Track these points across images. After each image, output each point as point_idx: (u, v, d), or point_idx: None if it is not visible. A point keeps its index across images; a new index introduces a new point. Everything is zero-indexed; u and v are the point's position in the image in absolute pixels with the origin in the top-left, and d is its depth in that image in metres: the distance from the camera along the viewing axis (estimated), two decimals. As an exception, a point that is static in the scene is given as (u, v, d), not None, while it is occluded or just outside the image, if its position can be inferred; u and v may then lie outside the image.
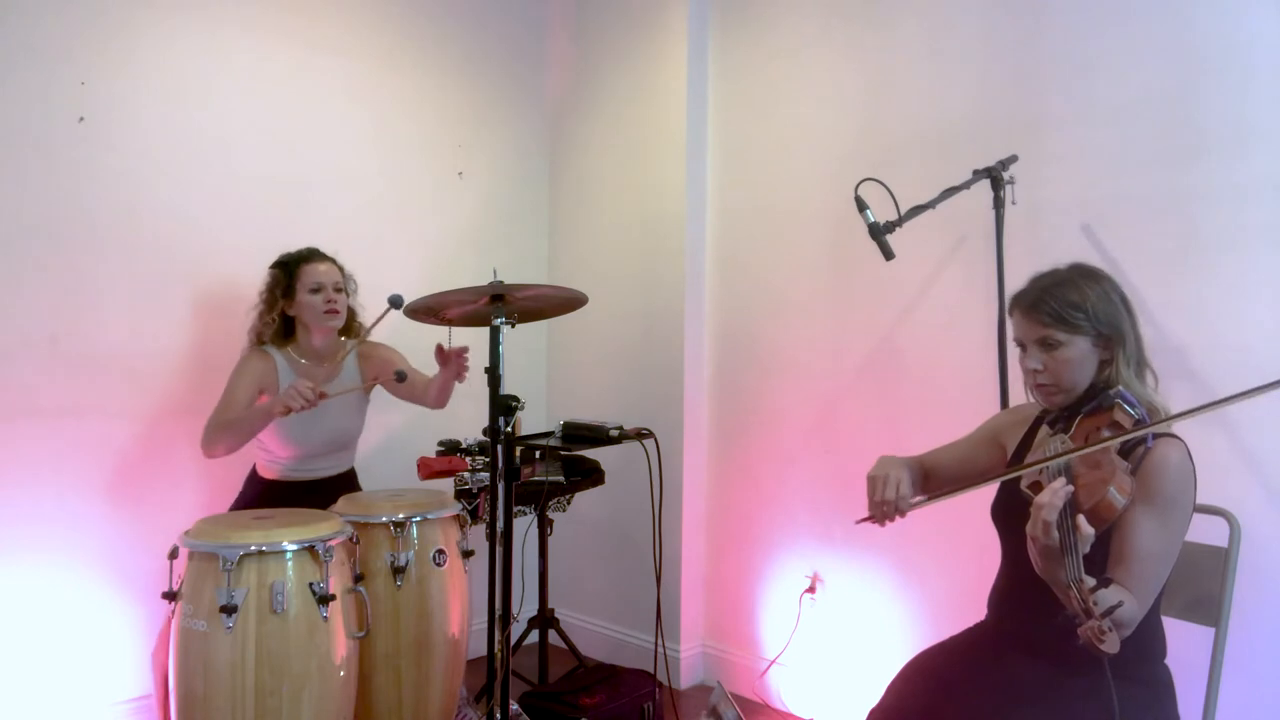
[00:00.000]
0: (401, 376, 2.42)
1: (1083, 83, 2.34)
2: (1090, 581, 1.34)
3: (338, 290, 2.58)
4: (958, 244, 2.57)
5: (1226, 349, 2.12)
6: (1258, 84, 2.08)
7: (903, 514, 1.68)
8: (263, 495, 2.59)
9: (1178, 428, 1.60)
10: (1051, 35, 2.40)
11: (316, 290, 2.54)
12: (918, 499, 1.70)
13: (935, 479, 1.86)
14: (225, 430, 2.40)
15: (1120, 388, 1.57)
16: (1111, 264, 2.23)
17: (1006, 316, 1.77)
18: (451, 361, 2.48)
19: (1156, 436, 1.54)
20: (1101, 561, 1.52)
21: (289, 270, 2.56)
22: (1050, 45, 2.40)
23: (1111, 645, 1.29)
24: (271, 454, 2.60)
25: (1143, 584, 1.49)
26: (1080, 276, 1.65)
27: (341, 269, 2.64)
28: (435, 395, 2.59)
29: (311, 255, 2.60)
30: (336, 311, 2.57)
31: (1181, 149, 2.19)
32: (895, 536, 2.69)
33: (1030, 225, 2.37)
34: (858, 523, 1.74)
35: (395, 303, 2.28)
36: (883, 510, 1.69)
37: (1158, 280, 2.19)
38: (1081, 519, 1.39)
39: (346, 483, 2.73)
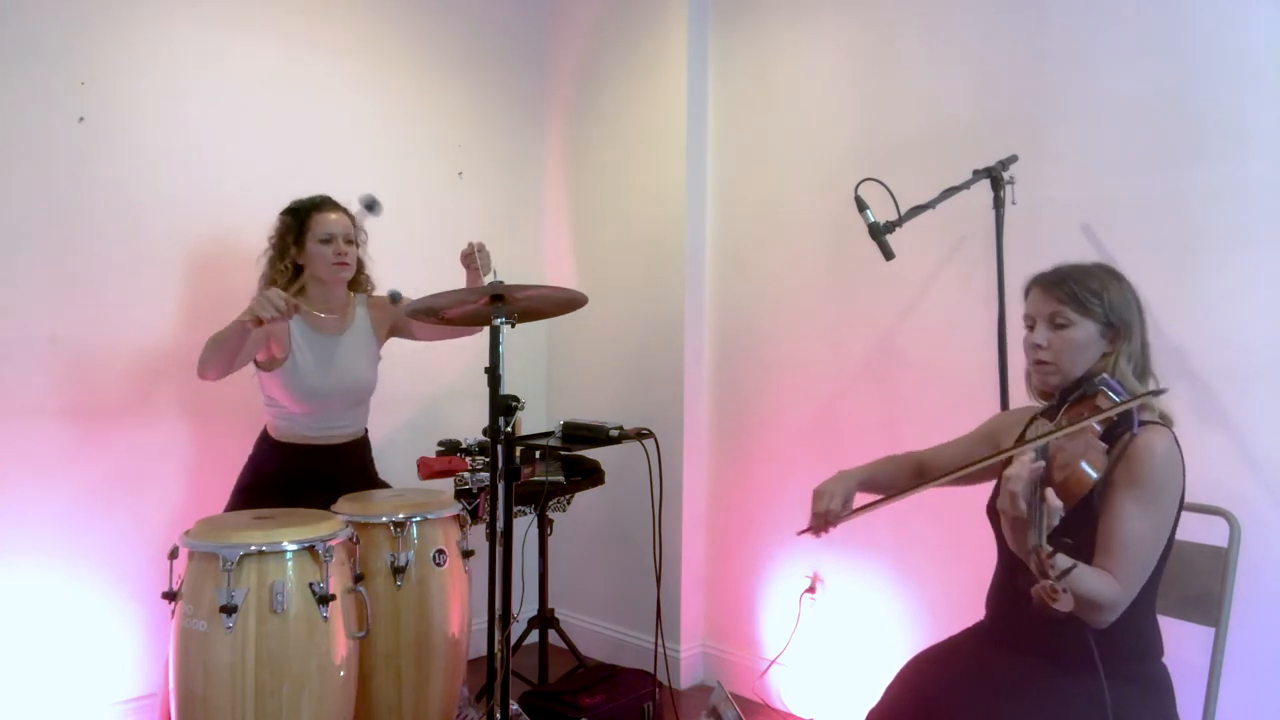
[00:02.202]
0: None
1: (1083, 82, 2.34)
2: (1049, 549, 1.38)
3: (348, 242, 2.52)
4: (958, 244, 2.57)
5: (1226, 349, 2.12)
6: (1257, 84, 2.08)
7: (834, 524, 1.78)
8: (274, 459, 2.54)
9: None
10: (1051, 35, 2.40)
11: (327, 241, 2.49)
12: (847, 512, 1.78)
13: (932, 476, 1.86)
14: (213, 350, 2.28)
15: (1105, 375, 1.60)
16: (1111, 264, 2.22)
17: (1012, 304, 1.80)
18: (471, 261, 2.45)
19: (1142, 423, 1.56)
20: (1089, 548, 1.54)
21: (300, 218, 2.51)
22: (1050, 45, 2.40)
23: (1064, 605, 1.34)
24: (283, 409, 2.53)
25: (1127, 568, 1.50)
26: (1104, 271, 1.70)
27: (353, 219, 2.58)
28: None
29: (324, 204, 2.53)
30: (346, 264, 2.52)
31: (1181, 149, 2.19)
32: (895, 536, 2.69)
33: (1030, 225, 2.37)
34: (799, 534, 1.85)
35: (368, 204, 2.28)
36: (817, 521, 1.79)
37: (1157, 280, 2.18)
38: (1050, 492, 1.43)
39: (359, 448, 2.68)
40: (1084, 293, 1.64)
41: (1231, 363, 2.11)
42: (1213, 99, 2.14)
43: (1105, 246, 2.28)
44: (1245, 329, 2.09)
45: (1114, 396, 1.54)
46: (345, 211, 2.56)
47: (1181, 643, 1.73)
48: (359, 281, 2.64)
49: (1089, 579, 1.45)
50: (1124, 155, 2.28)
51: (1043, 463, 1.49)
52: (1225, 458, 2.10)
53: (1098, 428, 1.53)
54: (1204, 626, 1.78)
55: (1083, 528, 1.56)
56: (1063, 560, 1.36)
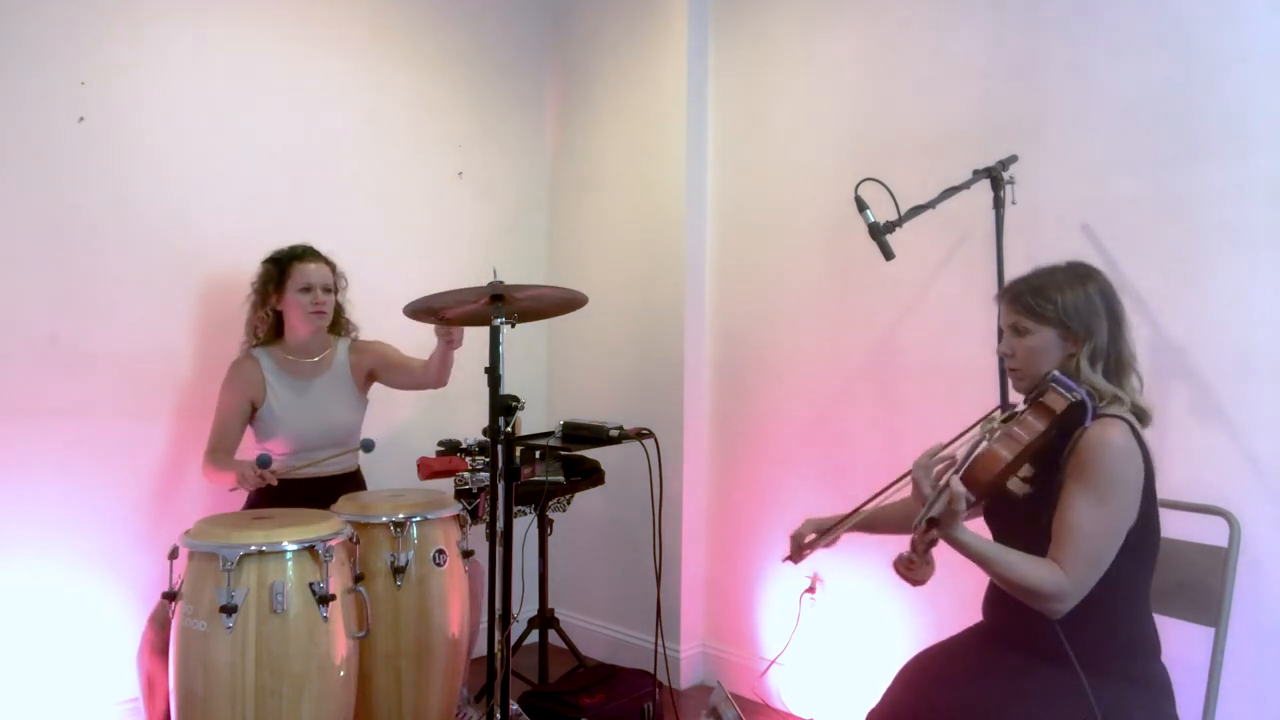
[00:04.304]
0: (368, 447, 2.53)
1: (1083, 83, 2.35)
2: (924, 526, 1.49)
3: (326, 291, 2.63)
4: (958, 244, 2.57)
5: (1226, 349, 2.12)
6: (1257, 84, 2.08)
7: (805, 552, 1.89)
8: (267, 496, 2.57)
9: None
10: (1051, 35, 2.40)
11: (305, 290, 2.60)
12: (815, 539, 1.88)
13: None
14: (210, 468, 2.53)
15: (1055, 371, 1.61)
16: (1111, 264, 2.23)
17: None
18: (443, 334, 2.50)
19: (1096, 416, 1.58)
20: (1044, 544, 1.57)
21: (281, 267, 2.62)
22: (1050, 45, 2.40)
23: (921, 575, 1.50)
24: (270, 452, 2.60)
25: (1075, 559, 1.52)
26: (1066, 273, 1.70)
27: (333, 267, 2.68)
28: (435, 372, 2.62)
29: (305, 254, 2.64)
30: (322, 313, 2.63)
31: (1181, 149, 2.19)
32: (895, 537, 2.68)
33: (1030, 225, 2.37)
34: (783, 560, 1.96)
35: (366, 447, 2.49)
36: (790, 545, 1.92)
37: (1157, 280, 2.19)
38: (955, 478, 1.49)
39: (352, 484, 2.73)
40: (1038, 301, 1.67)
41: (1231, 362, 2.11)
42: (1212, 99, 2.14)
43: (1105, 246, 2.28)
44: (1245, 328, 2.09)
45: (1064, 393, 1.57)
46: (325, 260, 2.66)
47: (1181, 643, 1.73)
48: (339, 324, 2.74)
49: (1020, 566, 1.52)
50: (1124, 155, 2.28)
51: (949, 451, 1.59)
52: (1225, 457, 2.10)
53: (1038, 423, 1.56)
54: (1204, 626, 1.78)
55: (1027, 523, 1.62)
56: (930, 537, 1.48)
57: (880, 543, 2.70)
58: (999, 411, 1.75)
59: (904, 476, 1.71)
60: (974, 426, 1.65)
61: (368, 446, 2.50)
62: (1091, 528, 1.53)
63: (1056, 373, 1.60)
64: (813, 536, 1.87)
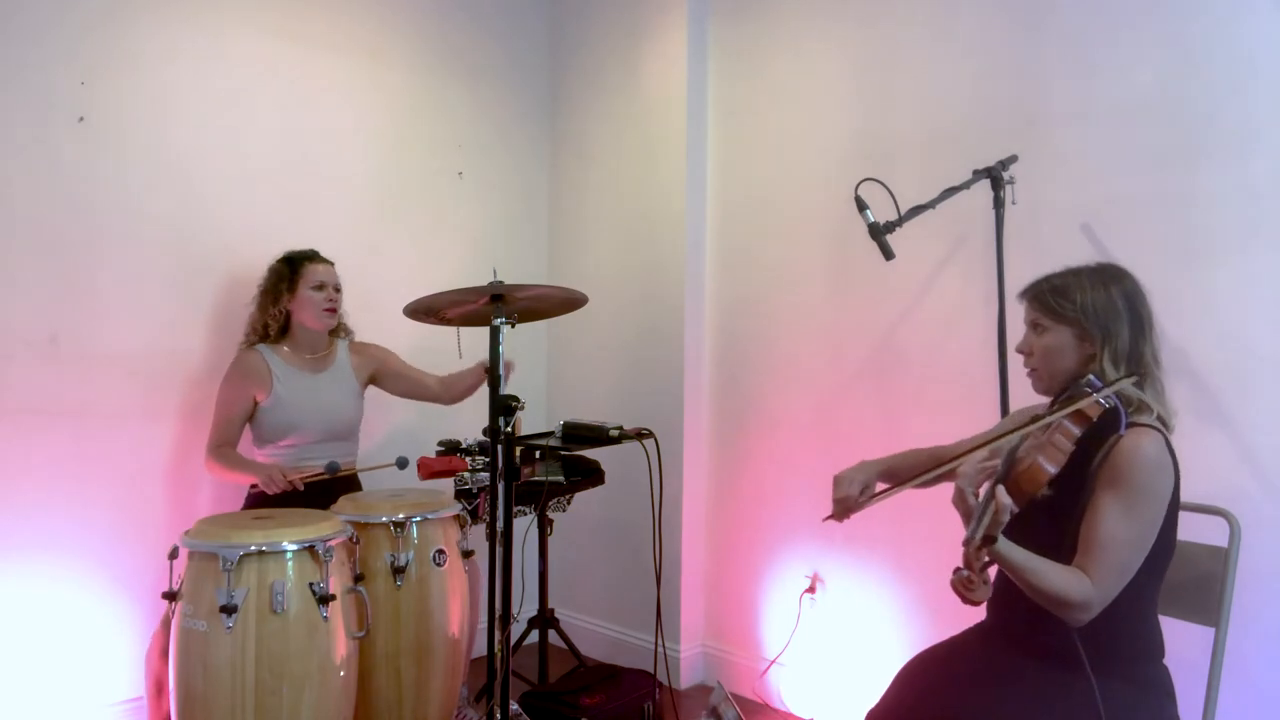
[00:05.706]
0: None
1: (1083, 83, 2.35)
2: (979, 542, 1.42)
3: (338, 290, 2.69)
4: (958, 244, 2.57)
5: (1227, 348, 2.12)
6: (1258, 84, 2.08)
7: (854, 510, 1.79)
8: (267, 496, 2.58)
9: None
10: (1052, 35, 2.40)
11: (319, 288, 2.65)
12: (866, 497, 1.79)
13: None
14: (219, 464, 2.56)
15: (1091, 376, 1.59)
16: (1113, 265, 2.22)
17: (1012, 304, 1.80)
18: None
19: (1130, 425, 1.56)
20: (1071, 550, 1.55)
21: (293, 266, 2.66)
22: (1050, 45, 2.41)
23: (980, 595, 1.41)
24: (272, 446, 2.63)
25: (1103, 569, 1.51)
26: (1091, 273, 1.69)
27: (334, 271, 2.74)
28: (457, 394, 2.69)
29: (315, 256, 2.71)
30: (334, 310, 2.69)
31: (1181, 149, 2.19)
32: (895, 536, 2.69)
33: (1030, 225, 2.37)
34: (824, 520, 1.85)
35: (401, 464, 2.54)
36: (839, 507, 1.81)
37: (1157, 280, 2.15)
38: (1001, 489, 1.44)
39: (351, 484, 2.74)
40: (1056, 299, 1.66)
41: (1232, 362, 2.11)
42: (1213, 99, 2.14)
43: (1105, 246, 2.28)
44: (1245, 328, 2.09)
45: (1098, 397, 1.54)
46: (332, 265, 2.73)
47: (1181, 643, 1.73)
48: (337, 327, 2.80)
49: (1051, 574, 1.48)
50: (1124, 155, 2.28)
51: (996, 461, 1.53)
52: (1225, 457, 2.10)
53: (1075, 430, 1.52)
54: (1204, 626, 1.78)
55: (1049, 527, 1.59)
56: (983, 555, 1.42)
57: (881, 543, 2.72)
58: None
59: (944, 466, 1.68)
60: (998, 437, 1.60)
61: (402, 464, 2.55)
62: (1122, 539, 1.52)
63: (1093, 377, 1.57)
64: (867, 496, 1.80)
